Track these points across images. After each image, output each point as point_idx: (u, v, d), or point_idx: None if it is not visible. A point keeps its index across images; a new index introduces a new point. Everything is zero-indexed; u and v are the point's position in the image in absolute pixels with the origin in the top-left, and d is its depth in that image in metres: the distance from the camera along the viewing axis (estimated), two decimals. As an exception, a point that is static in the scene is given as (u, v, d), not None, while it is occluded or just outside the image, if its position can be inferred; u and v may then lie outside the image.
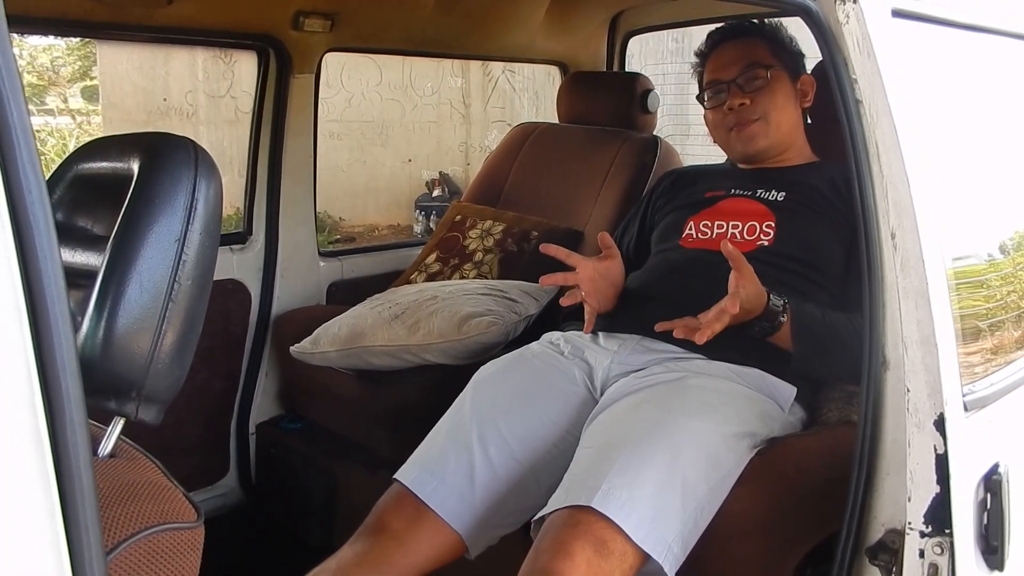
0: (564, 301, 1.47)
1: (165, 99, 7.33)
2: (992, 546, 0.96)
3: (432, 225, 6.83)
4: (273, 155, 2.17)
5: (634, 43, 2.78)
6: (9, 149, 0.47)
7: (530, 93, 7.87)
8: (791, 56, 1.68)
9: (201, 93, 7.38)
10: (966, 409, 0.94)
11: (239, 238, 2.19)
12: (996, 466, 0.97)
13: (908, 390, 0.92)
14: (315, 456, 2.04)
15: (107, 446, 0.75)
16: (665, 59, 6.46)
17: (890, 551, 1.03)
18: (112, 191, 0.75)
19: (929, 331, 0.90)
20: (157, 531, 0.67)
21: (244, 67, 6.51)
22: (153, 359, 0.70)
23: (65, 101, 8.96)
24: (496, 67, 7.79)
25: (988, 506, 0.96)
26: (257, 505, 2.18)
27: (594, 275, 1.47)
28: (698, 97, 1.73)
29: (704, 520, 1.19)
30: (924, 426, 0.91)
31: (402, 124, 7.90)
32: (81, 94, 9.26)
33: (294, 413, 2.19)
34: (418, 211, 7.57)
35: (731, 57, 1.66)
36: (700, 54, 1.74)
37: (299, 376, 2.06)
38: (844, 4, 0.95)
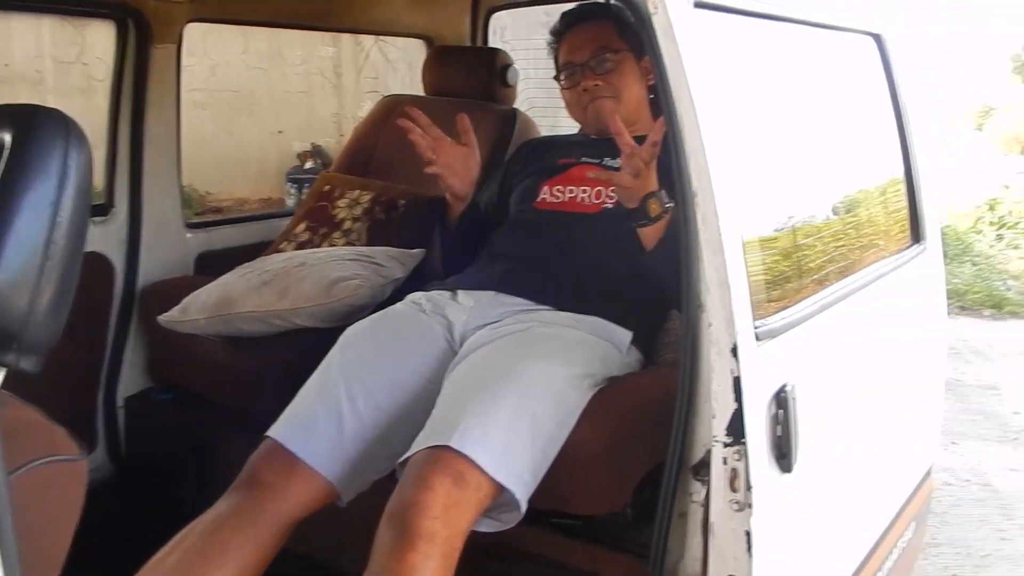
0: (428, 170, 1.71)
1: (7, 64, 6.87)
2: (783, 452, 1.16)
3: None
4: (135, 126, 2.15)
5: (505, 16, 2.90)
6: None
7: (403, 64, 7.82)
8: (636, 37, 1.84)
9: (48, 58, 6.95)
10: (758, 339, 1.13)
11: (100, 210, 2.15)
12: (784, 386, 1.16)
13: (711, 324, 1.10)
14: (188, 423, 2.07)
15: (-9, 395, 0.80)
16: (536, 32, 6.59)
17: (710, 467, 1.21)
18: (-15, 161, 0.80)
19: (724, 275, 1.07)
20: (44, 463, 0.74)
21: (95, 32, 6.18)
22: (32, 312, 0.76)
23: None
24: (368, 38, 7.70)
25: (780, 419, 1.15)
26: (130, 477, 2.18)
27: (449, 149, 1.70)
28: (555, 77, 1.87)
29: (553, 451, 1.34)
30: (723, 354, 1.09)
31: (271, 94, 7.68)
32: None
33: (165, 383, 2.19)
34: (290, 184, 7.43)
35: (583, 40, 1.81)
36: (555, 33, 1.87)
37: (168, 346, 2.07)
38: (653, -4, 1.10)
